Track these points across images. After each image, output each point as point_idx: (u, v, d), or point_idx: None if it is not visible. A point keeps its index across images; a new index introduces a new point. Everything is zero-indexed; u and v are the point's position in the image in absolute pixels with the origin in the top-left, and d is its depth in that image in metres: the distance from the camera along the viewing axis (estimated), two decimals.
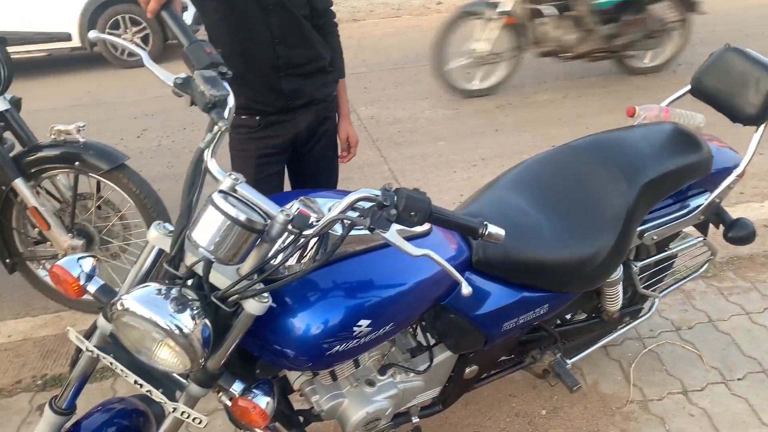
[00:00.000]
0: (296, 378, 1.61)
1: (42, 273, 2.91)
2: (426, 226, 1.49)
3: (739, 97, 1.93)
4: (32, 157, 2.65)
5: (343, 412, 1.62)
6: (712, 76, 2.01)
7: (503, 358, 1.96)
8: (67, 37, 4.71)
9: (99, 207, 2.82)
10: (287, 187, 2.26)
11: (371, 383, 1.64)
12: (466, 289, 1.23)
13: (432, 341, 1.72)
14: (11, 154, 2.68)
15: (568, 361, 2.01)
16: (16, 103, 2.80)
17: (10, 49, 2.69)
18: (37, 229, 2.76)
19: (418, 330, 1.77)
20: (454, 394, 1.87)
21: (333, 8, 2.14)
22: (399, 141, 4.74)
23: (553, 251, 1.69)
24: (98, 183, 2.74)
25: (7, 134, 2.78)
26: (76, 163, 2.62)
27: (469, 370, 1.81)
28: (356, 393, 1.62)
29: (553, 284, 1.72)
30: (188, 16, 6.36)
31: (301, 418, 1.69)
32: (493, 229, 1.24)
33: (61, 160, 2.65)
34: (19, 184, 2.63)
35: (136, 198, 2.70)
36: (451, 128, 4.93)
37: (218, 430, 2.17)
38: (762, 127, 1.95)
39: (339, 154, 2.30)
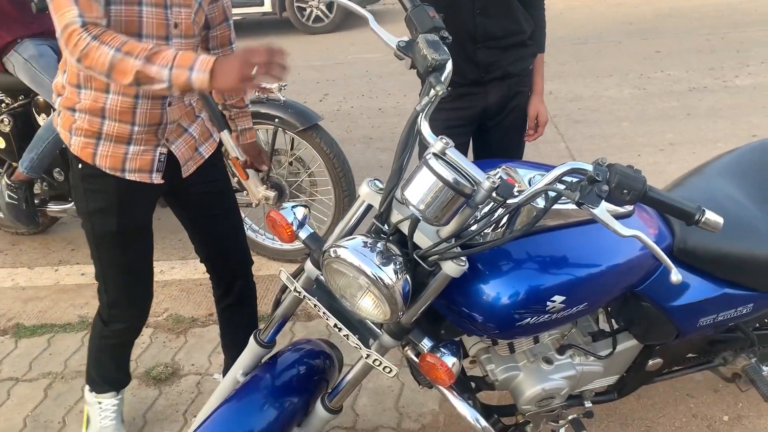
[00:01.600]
0: (473, 344, 1.63)
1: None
2: (629, 207, 1.43)
3: None
4: None
5: (518, 384, 1.62)
6: None
7: (691, 354, 1.85)
8: (260, 2, 5.00)
9: (290, 163, 3.02)
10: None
11: (549, 361, 1.62)
12: (675, 276, 1.17)
13: (616, 327, 1.66)
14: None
15: (765, 368, 1.85)
16: None
17: None
18: (236, 178, 3.01)
19: (600, 315, 1.71)
20: (632, 385, 1.80)
21: None
22: (578, 119, 4.56)
23: (764, 247, 1.55)
24: (293, 140, 2.93)
25: None
26: (276, 119, 2.81)
27: (653, 363, 1.73)
28: (533, 368, 1.61)
29: (760, 283, 1.58)
30: None
31: (473, 384, 1.72)
32: (711, 215, 1.16)
33: (263, 116, 2.86)
34: (224, 135, 2.88)
35: (325, 157, 2.85)
36: (637, 109, 4.65)
37: (386, 383, 2.26)
38: None
39: (526, 131, 2.25)
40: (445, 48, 1.29)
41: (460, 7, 1.92)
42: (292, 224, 1.42)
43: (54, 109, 2.96)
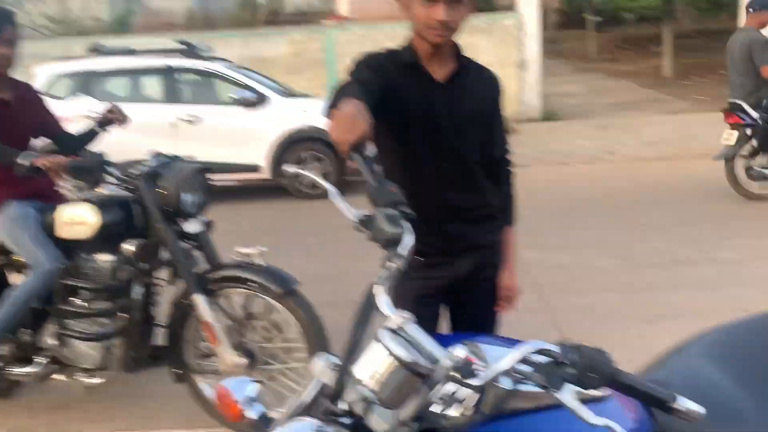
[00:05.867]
0: None
1: (205, 388, 3.03)
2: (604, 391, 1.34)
3: None
4: (215, 276, 2.86)
5: None
6: None
7: None
8: (254, 169, 5.20)
9: (266, 328, 2.94)
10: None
11: None
12: None
13: None
14: (197, 271, 2.92)
15: None
16: (208, 225, 3.09)
17: (211, 176, 3.03)
18: (206, 343, 2.92)
19: None
20: None
21: (509, 156, 2.15)
22: (562, 288, 4.55)
23: None
24: (269, 305, 2.88)
25: (196, 252, 3.05)
26: (254, 284, 2.78)
27: None
28: None
29: None
30: None
31: None
32: (687, 404, 1.08)
33: (240, 280, 2.83)
34: (198, 299, 2.84)
35: (302, 323, 2.78)
36: (620, 279, 4.65)
37: None
38: None
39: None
40: (405, 222, 1.28)
41: (428, 182, 1.96)
42: (241, 402, 1.32)
43: (29, 270, 2.95)
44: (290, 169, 1.60)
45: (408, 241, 1.27)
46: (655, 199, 6.81)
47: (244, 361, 2.82)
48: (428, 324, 2.06)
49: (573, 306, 4.24)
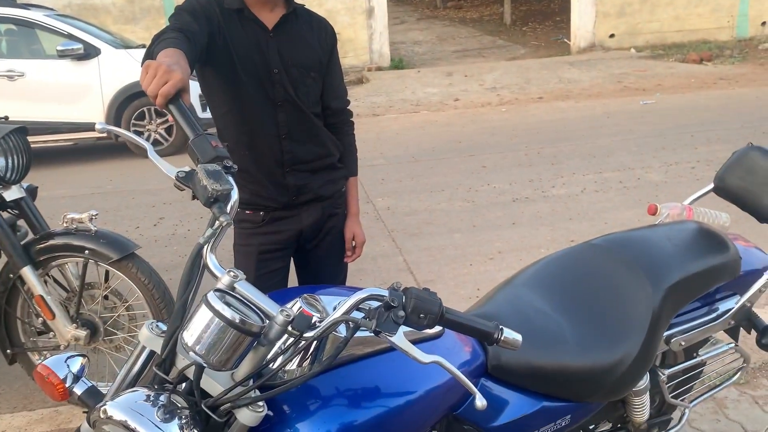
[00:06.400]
0: None
1: None
2: (438, 328, 1.40)
3: (765, 196, 1.86)
4: (42, 245, 2.63)
5: None
6: (736, 174, 1.95)
7: None
8: (92, 128, 4.84)
9: (106, 297, 2.76)
10: (293, 283, 2.19)
11: None
12: (480, 402, 1.12)
13: None
14: (23, 242, 2.67)
15: None
16: (32, 192, 2.82)
17: (37, 138, 2.75)
18: (41, 318, 2.70)
19: None
20: None
21: (351, 106, 2.13)
22: (414, 232, 4.70)
23: (575, 358, 1.57)
24: (107, 272, 2.70)
25: (21, 222, 2.78)
26: (86, 251, 2.59)
27: None
28: None
29: (574, 394, 1.60)
30: None
31: None
32: (509, 334, 1.16)
33: (71, 248, 2.63)
34: (26, 272, 2.60)
35: (144, 288, 2.64)
36: (467, 221, 4.89)
37: None
38: None
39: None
40: (228, 178, 1.23)
41: (266, 133, 1.90)
42: (64, 379, 1.23)
43: None
44: (100, 126, 1.47)
45: (234, 196, 1.22)
46: (497, 142, 7.18)
47: (83, 332, 2.64)
48: (276, 278, 2.05)
49: (425, 249, 4.40)
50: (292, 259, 2.13)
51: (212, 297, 1.05)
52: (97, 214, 2.63)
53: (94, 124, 5.25)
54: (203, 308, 1.04)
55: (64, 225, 2.63)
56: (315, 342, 1.19)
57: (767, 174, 1.85)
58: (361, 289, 1.19)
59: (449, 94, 10.32)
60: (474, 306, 1.72)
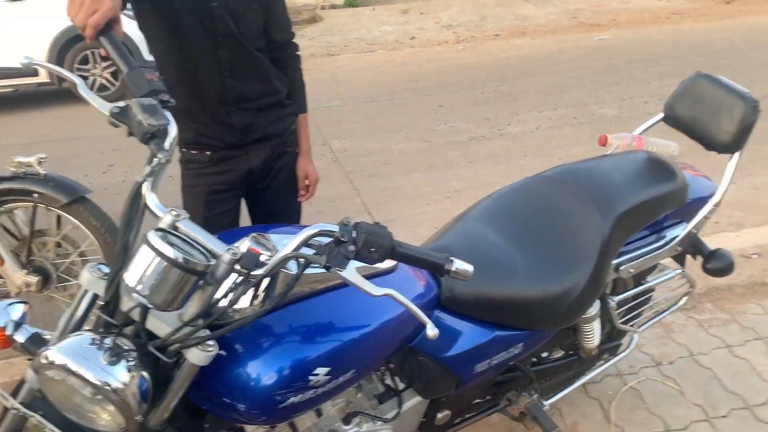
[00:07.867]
0: (253, 430, 1.48)
1: None
2: (391, 263, 1.40)
3: (712, 124, 1.89)
4: None
5: None
6: (685, 103, 1.97)
7: (477, 401, 1.85)
8: (34, 72, 4.59)
9: (58, 244, 2.69)
10: (245, 224, 2.15)
11: None
12: (431, 331, 1.13)
13: (401, 386, 1.61)
14: None
15: (546, 403, 1.91)
16: None
17: None
18: None
19: (387, 374, 1.65)
20: None
21: (305, 46, 2.05)
22: (372, 173, 4.67)
23: (525, 287, 1.60)
24: (58, 217, 2.63)
25: None
26: (35, 194, 2.51)
27: (441, 416, 1.70)
28: None
29: (526, 322, 1.63)
30: None
31: None
32: (460, 265, 1.15)
33: (19, 192, 2.54)
34: None
35: (97, 233, 2.59)
36: (424, 160, 4.87)
37: None
38: (737, 155, 1.90)
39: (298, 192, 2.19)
40: (166, 113, 1.17)
41: (208, 70, 1.82)
42: (5, 327, 1.18)
43: None
44: (26, 60, 1.38)
45: (172, 132, 1.16)
46: (454, 81, 7.11)
47: (34, 278, 2.59)
48: (226, 220, 2.00)
49: (383, 189, 4.39)
50: (243, 200, 2.09)
51: (153, 236, 1.01)
52: (46, 157, 2.54)
53: (35, 69, 4.97)
54: (144, 248, 1.01)
55: (12, 170, 2.53)
56: (266, 280, 1.18)
57: (714, 102, 1.87)
58: (310, 226, 1.17)
59: (405, 32, 10.12)
60: (428, 241, 1.72)
